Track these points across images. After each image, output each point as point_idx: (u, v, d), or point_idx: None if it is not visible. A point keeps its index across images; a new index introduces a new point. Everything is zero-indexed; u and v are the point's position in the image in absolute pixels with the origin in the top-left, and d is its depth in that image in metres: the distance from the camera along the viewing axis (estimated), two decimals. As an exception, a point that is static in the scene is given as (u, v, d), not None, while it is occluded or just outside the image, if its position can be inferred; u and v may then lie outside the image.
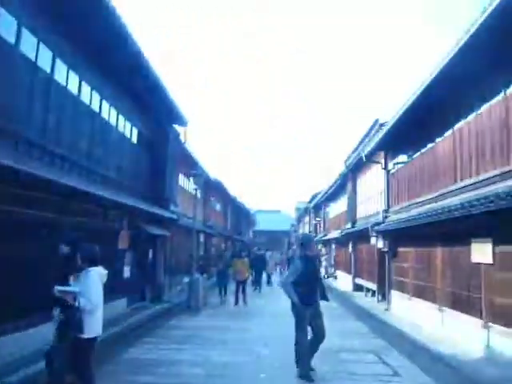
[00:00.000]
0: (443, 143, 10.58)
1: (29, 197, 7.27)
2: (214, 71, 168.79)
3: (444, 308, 9.90)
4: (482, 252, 8.12)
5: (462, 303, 9.05)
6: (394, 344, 9.10)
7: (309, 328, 6.73)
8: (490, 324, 7.79)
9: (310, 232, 44.08)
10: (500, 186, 7.33)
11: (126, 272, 12.36)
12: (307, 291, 6.59)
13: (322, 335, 6.68)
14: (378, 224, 15.00)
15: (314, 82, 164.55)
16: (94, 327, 4.87)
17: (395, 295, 13.79)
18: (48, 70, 8.25)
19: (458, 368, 7.25)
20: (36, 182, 6.72)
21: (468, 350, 8.24)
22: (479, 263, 8.26)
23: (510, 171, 7.42)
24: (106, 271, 5.16)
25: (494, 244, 7.72)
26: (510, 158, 7.53)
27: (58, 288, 4.95)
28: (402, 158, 14.07)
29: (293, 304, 6.67)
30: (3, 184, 6.40)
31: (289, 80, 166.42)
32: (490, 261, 7.82)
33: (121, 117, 12.17)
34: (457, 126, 9.81)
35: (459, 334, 8.91)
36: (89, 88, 9.99)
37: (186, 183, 20.31)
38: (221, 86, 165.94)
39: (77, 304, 4.72)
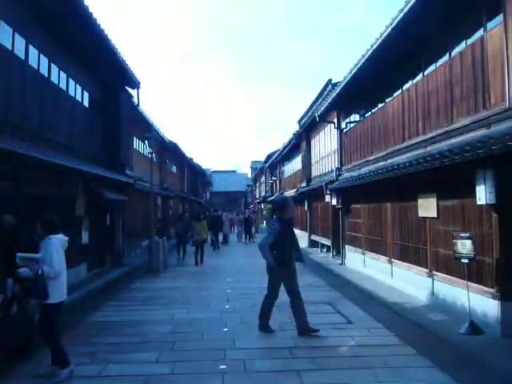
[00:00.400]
0: (392, 103, 10.95)
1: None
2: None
3: (394, 260, 10.53)
4: (427, 207, 8.66)
5: (409, 255, 9.67)
6: (348, 296, 9.66)
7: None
8: (435, 272, 8.42)
9: (266, 191, 44.66)
10: (444, 145, 7.79)
11: (85, 238, 12.30)
12: (283, 253, 6.72)
13: (296, 295, 6.85)
14: (331, 182, 15.46)
15: (272, 44, 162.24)
16: (58, 292, 5.02)
17: (349, 250, 14.44)
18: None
19: (405, 314, 7.87)
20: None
21: (415, 298, 8.91)
22: (425, 217, 8.81)
23: (452, 130, 7.86)
24: (67, 237, 5.29)
25: (438, 199, 8.25)
26: (453, 118, 7.97)
27: (19, 255, 5.05)
28: (355, 117, 14.45)
29: (268, 265, 6.80)
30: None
31: (248, 39, 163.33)
32: (435, 215, 8.37)
33: (71, 80, 11.80)
34: (405, 87, 10.16)
35: (407, 284, 9.58)
36: (36, 51, 9.61)
37: (141, 146, 20.07)
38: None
39: (40, 271, 4.83)
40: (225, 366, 5.33)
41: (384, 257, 11.16)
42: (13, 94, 8.70)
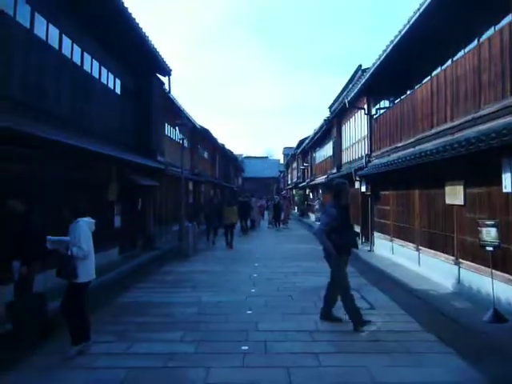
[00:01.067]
0: (421, 89, 10.79)
1: (19, 154, 7.40)
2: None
3: (421, 247, 10.48)
4: (454, 194, 8.57)
5: (436, 242, 9.61)
6: (374, 282, 9.69)
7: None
8: (461, 260, 8.36)
9: (298, 177, 44.59)
10: (471, 131, 7.68)
11: (117, 222, 12.71)
12: (340, 239, 6.38)
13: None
14: (361, 168, 15.40)
15: (302, 30, 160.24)
16: (87, 272, 5.33)
17: (377, 237, 14.41)
18: (27, 25, 8.21)
19: (429, 301, 7.87)
20: (23, 138, 6.87)
21: (440, 286, 8.89)
22: (452, 205, 8.73)
23: (480, 117, 7.73)
24: (94, 220, 5.56)
25: (466, 186, 8.16)
26: (481, 104, 7.82)
27: (49, 238, 5.35)
28: (384, 103, 14.30)
29: (327, 253, 6.51)
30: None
31: (277, 27, 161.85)
32: (462, 202, 8.29)
33: (103, 68, 12.12)
34: (434, 73, 10.00)
35: (434, 271, 9.54)
36: (69, 41, 9.93)
37: (172, 132, 20.39)
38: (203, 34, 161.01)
39: (69, 253, 5.16)
40: (246, 347, 5.50)
41: (412, 244, 11.11)
42: (47, 83, 9.06)
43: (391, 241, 12.83)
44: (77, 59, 10.45)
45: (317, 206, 29.10)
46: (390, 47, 10.43)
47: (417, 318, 6.77)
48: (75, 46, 10.27)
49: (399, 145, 12.22)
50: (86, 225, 5.33)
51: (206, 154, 32.30)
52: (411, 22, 8.96)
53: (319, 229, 6.63)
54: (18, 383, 4.62)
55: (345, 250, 6.47)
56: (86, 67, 11.03)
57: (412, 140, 11.17)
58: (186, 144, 16.97)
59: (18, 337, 5.62)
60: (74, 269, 5.12)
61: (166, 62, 14.41)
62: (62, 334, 5.60)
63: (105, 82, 12.37)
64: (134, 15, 10.62)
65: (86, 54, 10.87)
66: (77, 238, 5.17)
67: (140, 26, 11.25)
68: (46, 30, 8.88)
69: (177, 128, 16.31)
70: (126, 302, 8.08)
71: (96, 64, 11.62)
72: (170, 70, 15.17)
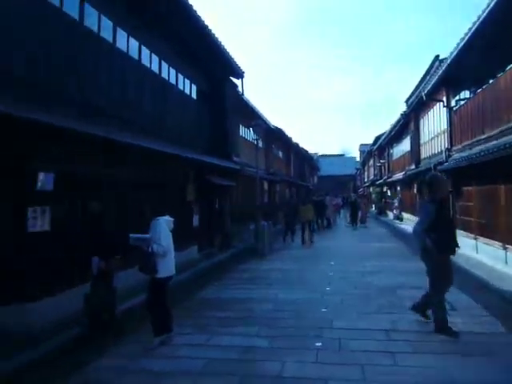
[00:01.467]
0: (505, 77, 10.18)
1: (109, 160, 7.99)
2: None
3: (508, 246, 9.91)
4: (543, 188, 8.04)
5: (525, 240, 9.05)
6: (456, 282, 9.20)
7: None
8: (553, 259, 7.83)
9: (375, 175, 43.61)
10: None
11: (195, 221, 13.19)
12: (442, 238, 5.91)
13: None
14: (441, 163, 14.82)
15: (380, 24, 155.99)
16: (167, 268, 5.64)
17: (460, 234, 13.73)
18: (110, 40, 8.79)
19: (517, 302, 7.43)
20: (112, 145, 7.42)
21: (530, 286, 8.34)
22: (542, 199, 8.20)
23: None
24: (172, 219, 5.88)
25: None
26: None
27: (132, 236, 5.72)
28: (465, 94, 13.64)
29: (426, 252, 6.09)
30: (81, 149, 7.11)
31: (349, 20, 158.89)
32: (552, 196, 7.76)
33: (180, 75, 12.63)
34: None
35: (523, 271, 8.99)
36: (148, 51, 10.47)
37: (246, 133, 20.77)
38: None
39: (150, 250, 5.48)
40: (320, 344, 5.54)
41: (497, 242, 10.52)
42: (128, 93, 9.63)
43: (475, 239, 12.23)
44: (155, 68, 10.99)
45: (396, 204, 28.26)
46: (469, 34, 9.94)
47: (501, 320, 6.44)
48: (153, 56, 10.79)
49: (482, 137, 11.62)
50: (164, 223, 5.66)
51: (280, 154, 32.50)
52: (491, 6, 8.48)
53: (416, 229, 6.22)
54: (103, 370, 4.97)
55: (445, 248, 6.00)
56: (164, 75, 11.55)
57: (496, 131, 10.58)
58: (260, 144, 17.24)
59: (94, 330, 6.01)
60: (155, 265, 5.45)
61: (239, 66, 14.72)
62: (141, 327, 6.01)
63: (181, 88, 12.87)
64: (206, 22, 10.97)
65: (163, 63, 11.39)
66: (157, 235, 5.49)
67: (213, 32, 11.60)
68: (126, 43, 9.45)
69: (251, 129, 16.63)
70: (207, 298, 8.39)
71: (173, 71, 12.13)
72: (243, 73, 15.47)
